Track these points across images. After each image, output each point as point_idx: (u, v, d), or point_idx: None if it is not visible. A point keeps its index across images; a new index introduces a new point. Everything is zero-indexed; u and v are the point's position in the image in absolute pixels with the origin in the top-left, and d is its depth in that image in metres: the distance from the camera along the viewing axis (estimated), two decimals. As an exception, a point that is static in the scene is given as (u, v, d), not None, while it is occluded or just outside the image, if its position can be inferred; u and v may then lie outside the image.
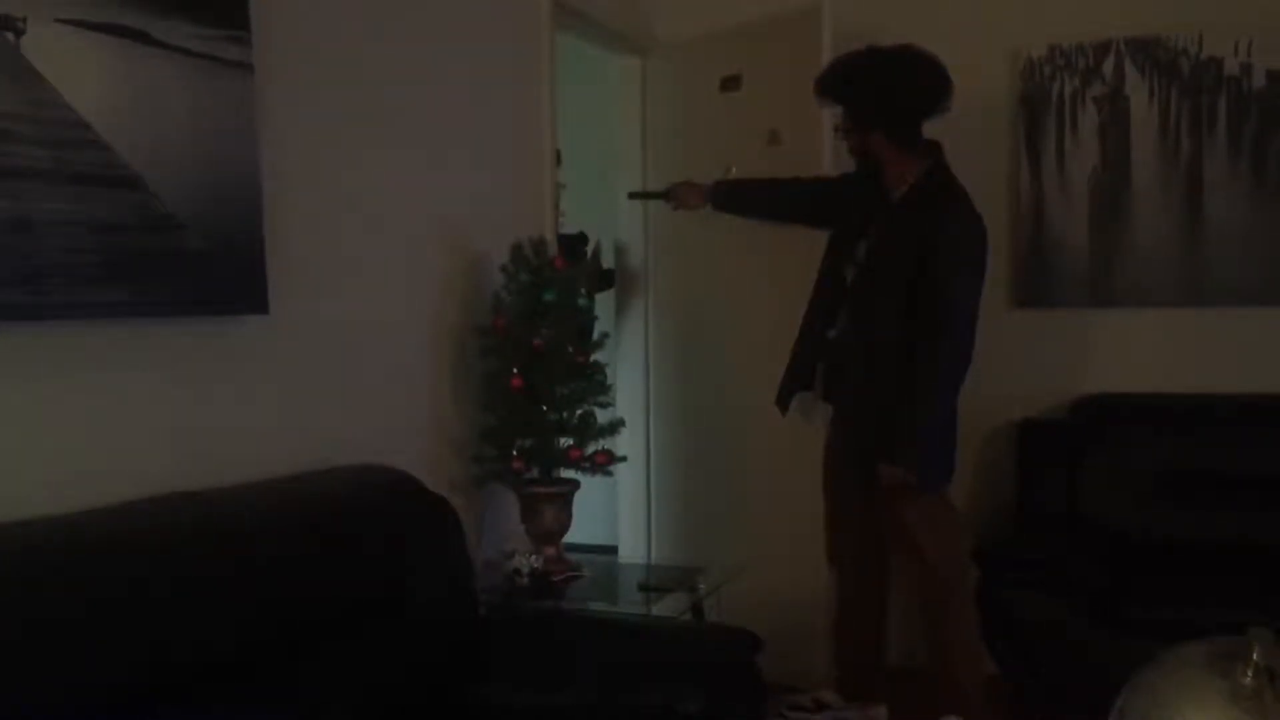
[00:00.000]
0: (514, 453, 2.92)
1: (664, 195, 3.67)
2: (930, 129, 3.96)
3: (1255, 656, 1.78)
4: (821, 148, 3.59)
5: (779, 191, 3.49)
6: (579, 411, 2.99)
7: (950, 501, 3.14)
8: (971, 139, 3.92)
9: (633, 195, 3.91)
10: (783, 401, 3.33)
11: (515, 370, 2.89)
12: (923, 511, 3.05)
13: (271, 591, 1.94)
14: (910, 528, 3.06)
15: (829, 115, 3.55)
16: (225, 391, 2.25)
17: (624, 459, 3.12)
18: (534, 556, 2.92)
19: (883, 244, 3.06)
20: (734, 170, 3.73)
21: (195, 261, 2.09)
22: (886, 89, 3.02)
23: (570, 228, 4.13)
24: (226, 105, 2.14)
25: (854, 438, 3.16)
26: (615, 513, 4.35)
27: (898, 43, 3.04)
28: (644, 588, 3.06)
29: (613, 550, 4.32)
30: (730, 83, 3.89)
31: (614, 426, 3.04)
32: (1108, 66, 3.78)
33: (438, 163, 2.94)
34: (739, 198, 3.55)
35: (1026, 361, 3.90)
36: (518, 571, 2.88)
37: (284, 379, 2.41)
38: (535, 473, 2.98)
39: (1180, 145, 3.72)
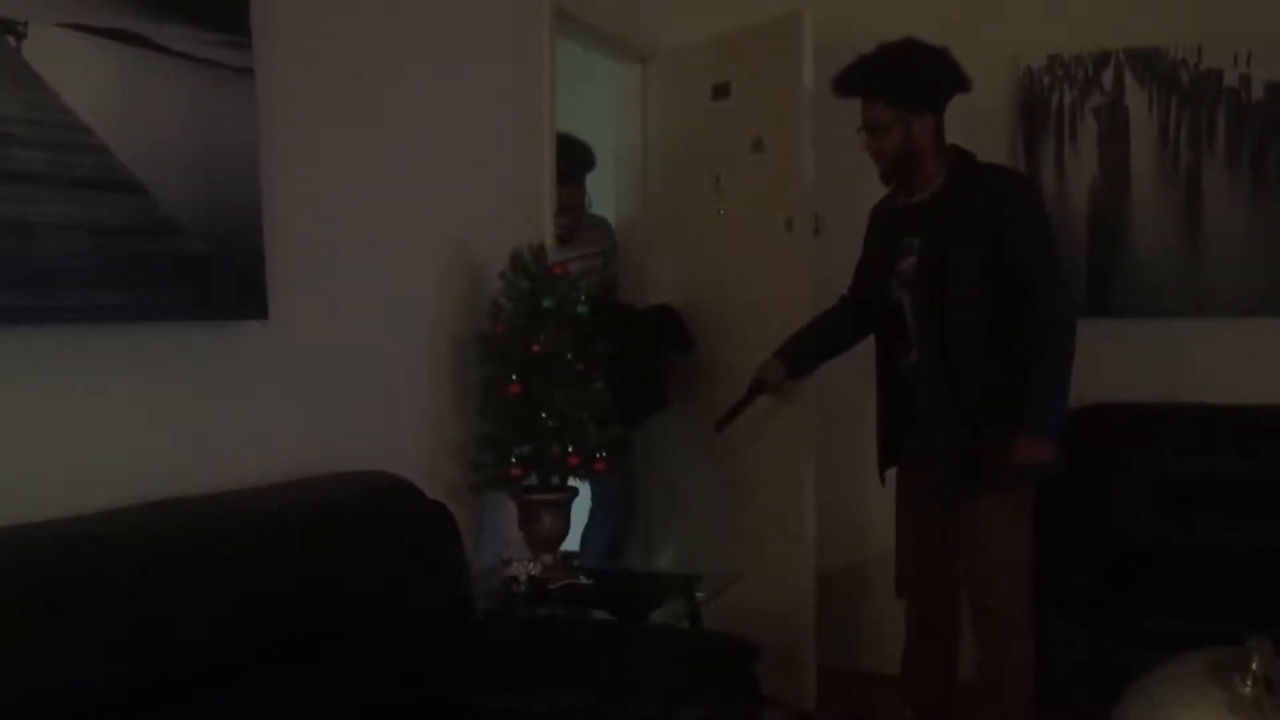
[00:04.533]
0: (512, 459, 2.92)
1: (753, 395, 3.34)
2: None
3: (1254, 667, 1.78)
4: (802, 154, 3.59)
5: (828, 322, 3.33)
6: (578, 418, 2.98)
7: (1032, 511, 2.97)
8: (971, 147, 3.94)
9: (724, 423, 3.40)
10: (884, 471, 3.21)
11: (514, 377, 2.89)
12: (1008, 511, 2.91)
13: (267, 597, 1.93)
14: (985, 523, 2.91)
15: (810, 120, 3.55)
16: (224, 397, 2.25)
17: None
18: (532, 563, 2.92)
19: (937, 244, 2.91)
20: (722, 180, 3.74)
21: (195, 266, 2.08)
22: (930, 70, 2.92)
23: (575, 134, 3.92)
24: (227, 110, 2.15)
25: (947, 463, 2.95)
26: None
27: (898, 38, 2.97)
28: (641, 595, 3.05)
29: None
30: (720, 90, 3.90)
31: (612, 434, 3.04)
32: (1107, 77, 3.79)
33: (437, 168, 2.94)
34: (804, 351, 3.34)
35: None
36: (515, 578, 2.87)
37: (283, 384, 2.40)
38: (533, 479, 2.98)
39: (1179, 156, 3.73)
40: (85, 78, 1.87)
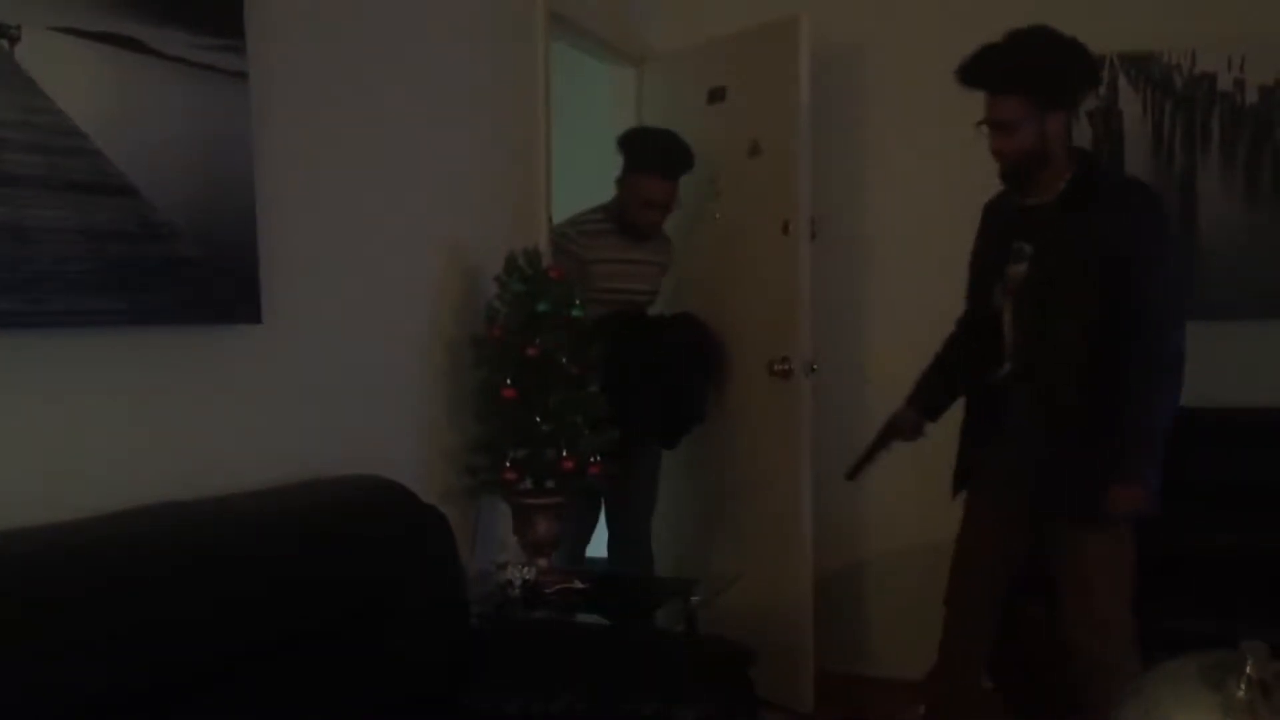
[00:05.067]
0: (506, 463, 2.92)
1: (885, 440, 3.17)
2: (922, 141, 4.00)
3: (1248, 669, 1.78)
4: (799, 157, 3.59)
5: (950, 351, 3.15)
6: (572, 422, 2.98)
7: (1133, 543, 2.77)
8: (969, 153, 3.92)
9: (855, 472, 3.24)
10: (959, 487, 3.04)
11: (508, 380, 2.88)
12: (1109, 549, 2.72)
13: (262, 601, 1.93)
14: (1088, 567, 2.72)
15: (807, 124, 3.53)
16: (218, 400, 2.25)
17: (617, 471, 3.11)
18: (526, 567, 2.91)
19: (1054, 250, 2.73)
20: (718, 184, 3.74)
21: (190, 270, 2.08)
22: (1067, 61, 2.69)
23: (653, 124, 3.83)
24: (221, 114, 2.15)
25: (1044, 480, 2.78)
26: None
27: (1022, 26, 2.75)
28: (637, 598, 3.05)
29: (603, 560, 4.30)
30: (716, 94, 3.91)
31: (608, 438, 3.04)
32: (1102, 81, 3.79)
33: (432, 172, 2.94)
34: (934, 394, 3.14)
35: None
36: (510, 582, 2.87)
37: (277, 388, 2.40)
38: (528, 483, 2.97)
39: (1174, 159, 3.74)
40: (79, 82, 1.87)
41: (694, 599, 3.04)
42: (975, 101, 3.88)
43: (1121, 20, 3.74)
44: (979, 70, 2.74)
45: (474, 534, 3.09)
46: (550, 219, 3.58)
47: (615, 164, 4.26)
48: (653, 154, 3.57)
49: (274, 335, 2.34)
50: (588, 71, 4.27)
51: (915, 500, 4.04)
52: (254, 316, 2.25)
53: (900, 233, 4.06)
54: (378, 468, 2.47)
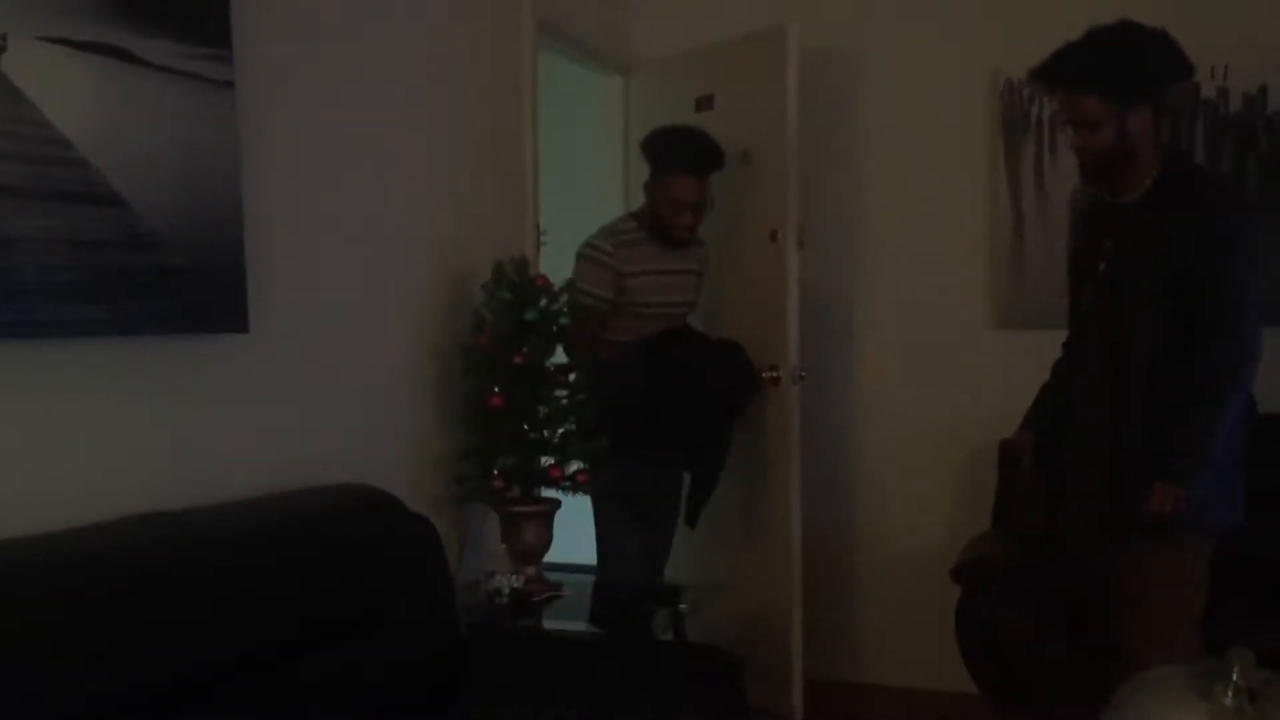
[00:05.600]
0: (495, 471, 2.91)
1: (1006, 468, 3.11)
2: (911, 151, 4.02)
3: (1235, 677, 1.79)
4: (788, 166, 3.60)
5: (1061, 371, 3.01)
6: (560, 430, 2.99)
7: (1206, 567, 2.63)
8: (951, 160, 3.97)
9: (1000, 512, 3.17)
10: (1053, 518, 2.89)
11: (496, 389, 2.88)
12: (1169, 559, 2.60)
13: (249, 610, 1.93)
14: (1139, 573, 2.61)
15: (796, 132, 3.50)
16: (205, 410, 2.24)
17: (605, 478, 3.11)
18: (514, 576, 2.91)
19: (1130, 251, 2.65)
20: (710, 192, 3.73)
21: (176, 279, 2.08)
22: (1148, 55, 2.60)
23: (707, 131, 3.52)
24: (208, 123, 2.14)
25: (1088, 505, 2.70)
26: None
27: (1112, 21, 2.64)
28: (625, 607, 3.05)
29: (593, 569, 4.30)
30: (704, 102, 3.91)
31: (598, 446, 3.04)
32: (1086, 89, 3.81)
33: (420, 180, 2.94)
34: (1047, 410, 3.00)
35: (1006, 382, 3.89)
36: (498, 591, 2.86)
37: (264, 397, 2.40)
38: (516, 491, 2.97)
39: (1157, 167, 3.75)
40: (66, 91, 1.87)
41: (682, 607, 3.04)
42: (966, 112, 3.92)
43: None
44: (1055, 70, 2.69)
45: (462, 542, 3.08)
46: (539, 227, 3.58)
47: (607, 172, 4.28)
48: (679, 152, 3.40)
49: (262, 344, 2.33)
50: (576, 80, 4.27)
51: (903, 507, 4.06)
52: (241, 326, 2.25)
53: (889, 241, 4.06)
54: (366, 477, 2.47)
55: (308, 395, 2.53)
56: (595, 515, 3.52)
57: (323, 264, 2.57)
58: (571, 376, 3.02)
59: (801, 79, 3.60)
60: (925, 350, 4.02)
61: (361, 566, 2.22)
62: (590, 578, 3.54)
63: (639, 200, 3.61)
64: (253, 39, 2.28)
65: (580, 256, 3.40)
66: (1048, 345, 3.84)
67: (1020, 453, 3.00)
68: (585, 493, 3.07)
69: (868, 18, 4.01)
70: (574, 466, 3.00)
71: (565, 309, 3.03)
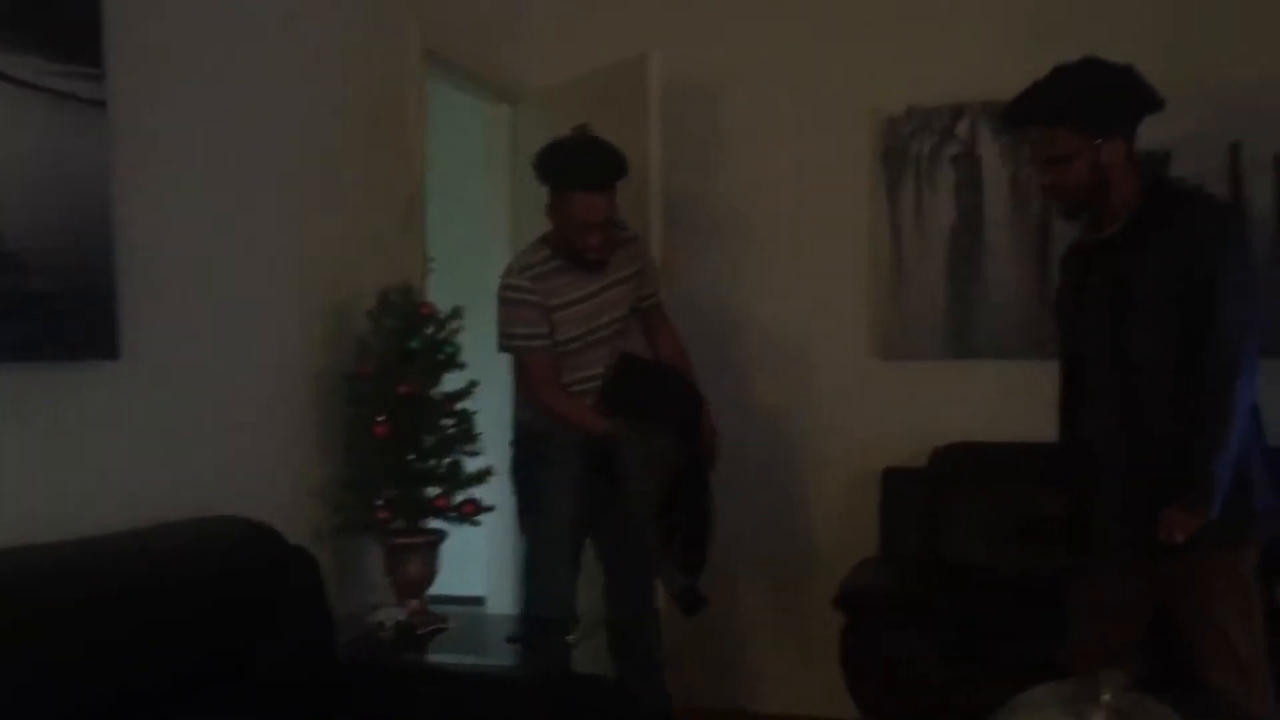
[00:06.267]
0: (379, 502, 2.86)
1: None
2: (792, 186, 4.09)
3: (1105, 697, 1.85)
4: (651, 196, 3.60)
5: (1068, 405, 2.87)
6: (446, 460, 2.95)
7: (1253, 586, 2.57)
8: (833, 195, 4.05)
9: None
10: (1082, 553, 2.76)
11: (381, 418, 2.84)
12: (1234, 591, 2.52)
13: (116, 650, 1.85)
14: (1219, 618, 2.51)
15: (658, 163, 3.47)
16: (73, 440, 2.16)
17: (492, 508, 3.08)
18: (397, 609, 2.86)
19: (1118, 285, 2.60)
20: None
21: (41, 304, 2.01)
22: (1115, 88, 2.60)
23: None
24: (78, 143, 2.08)
25: (1115, 527, 2.62)
26: (482, 563, 4.28)
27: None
28: (512, 639, 3.02)
29: (479, 601, 4.26)
30: (580, 131, 3.91)
31: (482, 475, 3.01)
32: (962, 127, 3.93)
33: (302, 207, 2.89)
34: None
35: (888, 411, 4.00)
36: (381, 624, 2.81)
37: (136, 426, 2.32)
38: (401, 522, 2.92)
39: (1029, 204, 3.88)
40: (-76, 106, 1.79)
41: (570, 639, 3.02)
42: (846, 148, 4.01)
43: (979, 69, 3.88)
44: (1024, 107, 2.69)
45: (344, 575, 3.02)
46: (426, 255, 3.54)
47: (495, 200, 4.25)
48: (575, 168, 3.06)
49: (133, 372, 2.26)
50: (464, 108, 4.26)
51: (787, 533, 4.10)
52: (110, 352, 2.18)
53: (771, 272, 4.12)
54: (243, 508, 2.39)
55: (182, 424, 2.45)
56: (532, 541, 3.24)
57: (200, 289, 2.51)
58: (459, 405, 2.99)
59: (676, 111, 3.62)
60: (809, 380, 4.08)
61: (235, 601, 2.16)
62: (476, 609, 3.50)
63: (527, 229, 3.55)
64: (127, 58, 2.22)
65: (501, 299, 3.10)
66: (928, 375, 3.97)
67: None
68: (473, 523, 3.03)
69: (749, 53, 4.07)
70: (460, 497, 2.97)
71: (453, 337, 3.00)
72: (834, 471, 4.04)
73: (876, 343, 4.04)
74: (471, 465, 3.01)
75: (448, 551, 3.03)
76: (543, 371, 3.08)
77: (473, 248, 4.39)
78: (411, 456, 2.90)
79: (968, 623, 3.35)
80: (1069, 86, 2.61)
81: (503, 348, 3.13)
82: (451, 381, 3.03)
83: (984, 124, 3.90)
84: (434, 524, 2.99)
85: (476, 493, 3.01)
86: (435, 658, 2.84)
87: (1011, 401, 3.89)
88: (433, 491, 2.93)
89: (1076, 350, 2.75)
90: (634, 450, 3.01)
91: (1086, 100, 2.60)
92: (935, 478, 3.79)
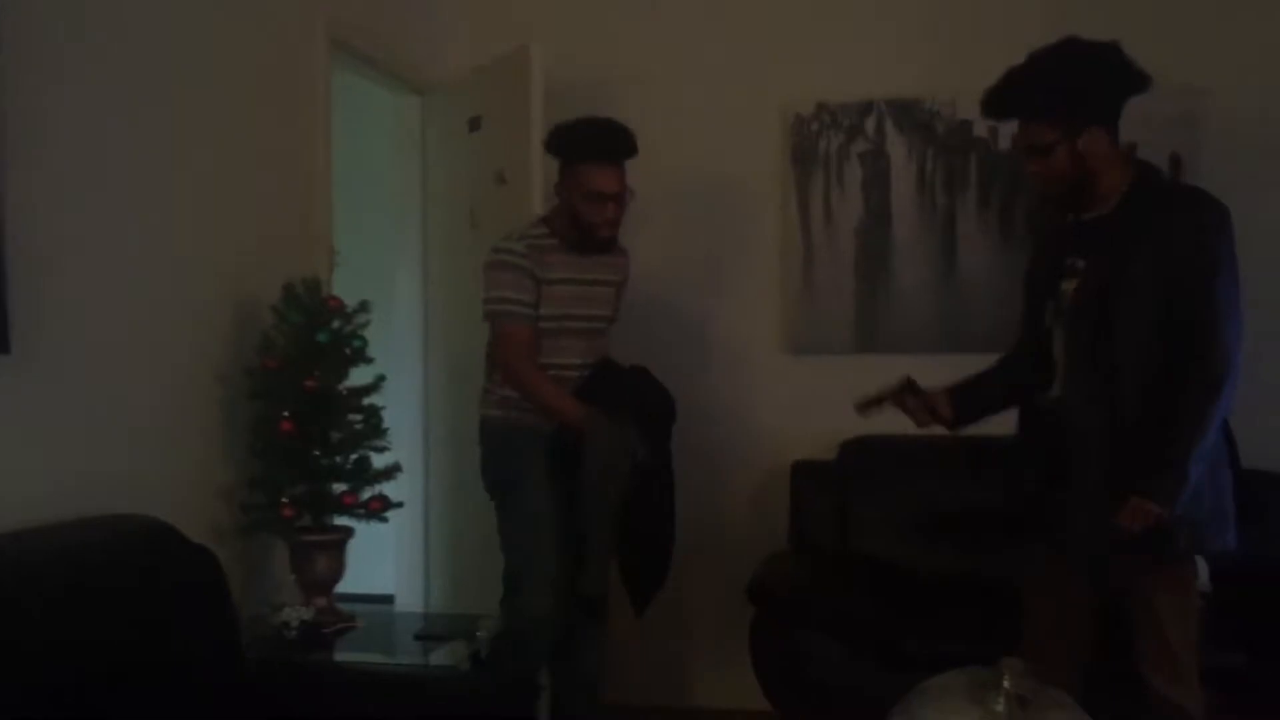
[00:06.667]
0: (284, 500, 2.81)
1: (899, 392, 2.89)
2: (704, 182, 4.10)
3: (1006, 684, 1.89)
4: (533, 187, 3.55)
5: (1002, 362, 2.90)
6: (354, 456, 2.91)
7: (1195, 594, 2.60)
8: (744, 191, 4.08)
9: (866, 408, 2.94)
10: (1034, 538, 2.75)
11: (286, 414, 2.79)
12: (1174, 595, 2.55)
13: (8, 653, 1.79)
14: (1162, 620, 2.53)
15: (540, 154, 3.37)
16: (-41, 437, 2.08)
17: (400, 505, 3.04)
18: (304, 608, 2.81)
19: (1102, 268, 2.55)
20: (475, 214, 3.61)
21: (-74, 296, 1.93)
22: (1094, 73, 2.51)
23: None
24: (-34, 129, 2.00)
25: (1092, 527, 2.55)
26: (392, 560, 4.24)
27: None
28: (420, 637, 2.99)
29: (388, 599, 4.21)
30: (474, 124, 3.90)
31: (390, 471, 2.97)
32: (870, 125, 3.99)
33: (204, 198, 2.82)
34: (968, 397, 2.87)
35: (798, 406, 4.04)
36: (286, 624, 2.76)
37: (28, 424, 2.24)
38: (307, 520, 2.88)
39: (936, 201, 3.95)
40: None
41: (479, 635, 3.00)
42: (757, 145, 4.04)
43: (888, 68, 3.95)
44: (1000, 99, 2.62)
45: (249, 574, 2.96)
46: (332, 248, 3.49)
47: (407, 192, 4.20)
48: (590, 140, 3.07)
49: (25, 367, 2.19)
50: (372, 99, 4.20)
51: (698, 528, 4.11)
52: (1, 346, 2.10)
53: (681, 267, 4.12)
54: (144, 507, 2.34)
55: (78, 421, 2.38)
56: (513, 529, 3.15)
57: (96, 282, 2.43)
58: (367, 400, 2.95)
59: (587, 104, 3.58)
60: (718, 374, 4.10)
61: (133, 602, 2.10)
62: (385, 607, 3.46)
63: (432, 225, 3.52)
64: (17, 43, 2.14)
65: (489, 265, 3.06)
66: (837, 370, 4.01)
67: (915, 401, 2.86)
68: (381, 519, 2.99)
69: (661, 48, 4.08)
70: (368, 493, 2.93)
71: (360, 330, 2.95)
72: (745, 465, 4.07)
73: (786, 338, 4.08)
74: (380, 461, 2.97)
75: (356, 549, 2.99)
76: (522, 343, 3.03)
77: (381, 240, 4.34)
78: (317, 452, 2.86)
79: (876, 614, 3.40)
80: (1044, 77, 2.53)
81: (485, 314, 3.08)
82: (359, 376, 2.99)
83: (891, 121, 3.97)
84: (341, 521, 2.95)
85: (385, 489, 2.97)
86: (343, 656, 2.80)
87: (918, 395, 3.95)
88: (340, 488, 2.89)
89: (1042, 327, 2.70)
90: (602, 442, 2.96)
91: (1062, 91, 2.52)
92: (843, 471, 3.84)
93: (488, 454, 3.17)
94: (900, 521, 3.72)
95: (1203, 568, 2.68)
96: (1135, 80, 2.50)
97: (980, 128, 3.90)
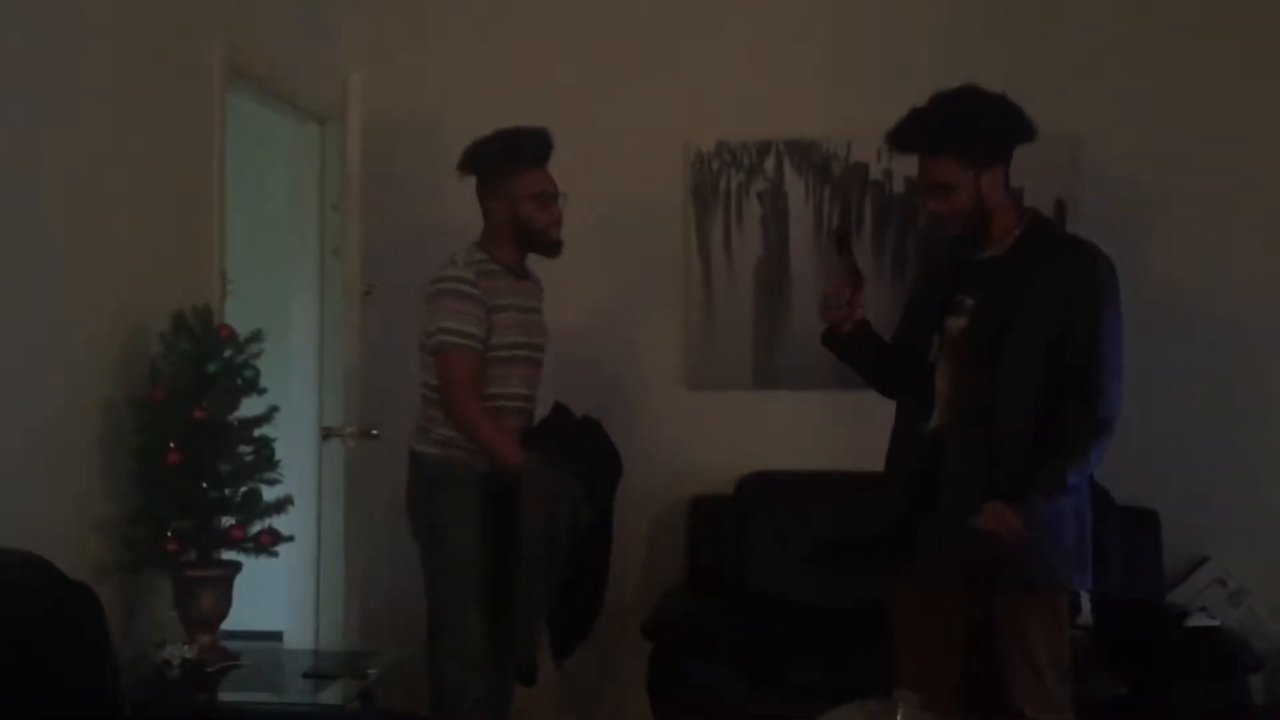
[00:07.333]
0: (169, 533, 2.73)
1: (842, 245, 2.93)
2: (605, 217, 4.11)
3: (899, 717, 1.92)
4: (349, 214, 3.61)
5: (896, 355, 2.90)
6: (243, 489, 2.84)
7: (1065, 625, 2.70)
8: (645, 227, 4.11)
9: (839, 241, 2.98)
10: (900, 562, 2.80)
11: (173, 445, 2.71)
12: (1045, 626, 2.64)
13: None
14: (1031, 647, 2.62)
15: (357, 181, 3.52)
16: None
17: (291, 538, 2.98)
18: (187, 645, 2.72)
19: (994, 308, 2.63)
20: (336, 242, 3.64)
21: None
22: (997, 117, 2.64)
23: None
24: None
25: (970, 552, 2.61)
26: (282, 596, 4.13)
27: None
28: (309, 675, 2.92)
29: (277, 636, 4.10)
30: None
31: (281, 504, 2.91)
32: (769, 164, 4.06)
33: (91, 220, 2.74)
34: (871, 340, 2.90)
35: (697, 441, 4.06)
36: (168, 663, 2.66)
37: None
38: (193, 554, 2.79)
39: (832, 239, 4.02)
40: None
41: (370, 673, 2.94)
42: (658, 180, 4.07)
43: (786, 109, 4.02)
44: (909, 134, 2.71)
45: (131, 612, 2.86)
46: (224, 275, 3.41)
47: (305, 221, 4.12)
48: (521, 144, 3.04)
49: (-107, 394, 2.09)
50: (270, 125, 4.13)
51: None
52: None
53: (581, 302, 4.11)
54: (17, 542, 2.23)
55: (-51, 451, 2.28)
56: (438, 572, 3.08)
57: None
58: (258, 431, 2.88)
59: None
60: (619, 409, 4.09)
61: (7, 640, 2.01)
62: (274, 644, 3.37)
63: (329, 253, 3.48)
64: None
65: (440, 293, 2.98)
66: (736, 406, 4.05)
67: (845, 296, 2.85)
68: (270, 554, 2.92)
69: (561, 85, 4.07)
70: (257, 527, 2.86)
71: (253, 360, 2.89)
72: (644, 500, 4.06)
73: (686, 373, 4.10)
74: (270, 494, 2.90)
75: (244, 583, 2.91)
76: (468, 376, 2.96)
77: (276, 268, 4.26)
78: (206, 485, 2.78)
79: (770, 648, 3.42)
80: (950, 116, 2.64)
81: (428, 347, 2.99)
82: (251, 407, 2.92)
83: (789, 161, 4.04)
84: (229, 556, 2.87)
85: (276, 522, 2.90)
86: (228, 696, 2.72)
87: (814, 431, 4.02)
88: (228, 521, 2.81)
89: (920, 354, 2.77)
90: (539, 491, 2.90)
91: (968, 130, 2.63)
92: (740, 505, 3.87)
93: (418, 492, 3.10)
94: (794, 555, 3.76)
95: (1085, 602, 2.78)
96: (1027, 129, 2.63)
97: (875, 170, 3.99)
